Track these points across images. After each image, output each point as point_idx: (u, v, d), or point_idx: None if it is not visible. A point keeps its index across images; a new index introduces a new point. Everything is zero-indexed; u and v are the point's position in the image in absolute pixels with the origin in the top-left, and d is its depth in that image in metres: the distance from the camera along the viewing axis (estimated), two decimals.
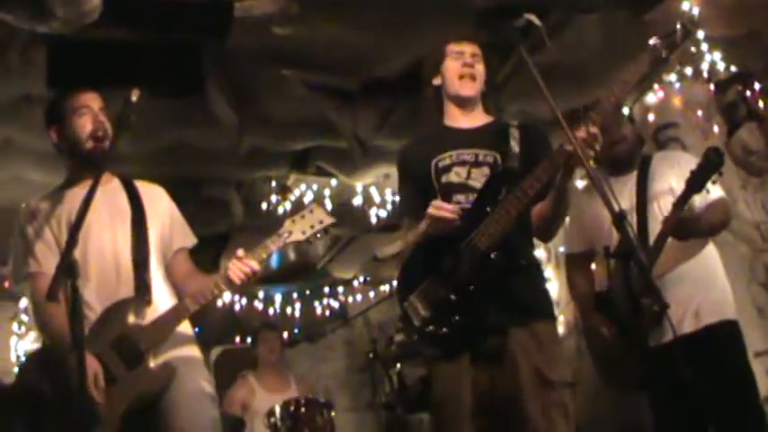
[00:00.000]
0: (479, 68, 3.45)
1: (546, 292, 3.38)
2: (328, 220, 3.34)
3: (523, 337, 3.11)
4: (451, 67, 3.44)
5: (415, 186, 3.44)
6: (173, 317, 3.24)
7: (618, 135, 4.08)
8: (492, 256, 3.10)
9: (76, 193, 3.30)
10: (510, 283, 3.13)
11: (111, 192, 3.45)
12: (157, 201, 3.56)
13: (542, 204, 3.27)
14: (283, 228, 3.31)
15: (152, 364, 3.14)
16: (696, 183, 3.61)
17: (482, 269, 3.10)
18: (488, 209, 3.15)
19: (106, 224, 3.36)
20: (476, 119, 3.49)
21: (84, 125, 3.35)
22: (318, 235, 3.35)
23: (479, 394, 3.11)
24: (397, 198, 3.69)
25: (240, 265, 3.20)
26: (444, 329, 3.12)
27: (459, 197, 3.28)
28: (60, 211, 3.34)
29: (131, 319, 3.20)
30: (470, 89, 3.44)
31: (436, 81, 3.51)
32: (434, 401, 3.27)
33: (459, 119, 3.48)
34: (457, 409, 3.12)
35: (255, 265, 3.22)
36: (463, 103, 3.47)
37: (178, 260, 3.51)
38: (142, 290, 3.26)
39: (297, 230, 3.30)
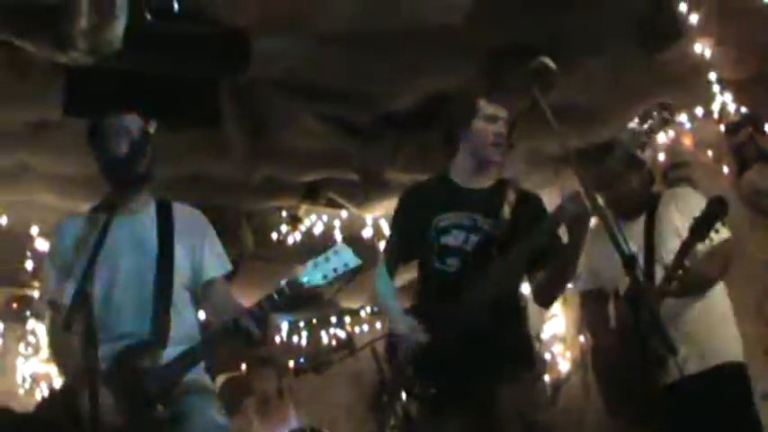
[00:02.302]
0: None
1: (529, 339, 3.59)
2: (354, 263, 3.09)
3: (509, 390, 3.27)
4: (485, 130, 3.50)
5: (408, 236, 3.56)
6: (185, 363, 3.12)
7: (624, 185, 4.08)
8: (481, 315, 3.24)
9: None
10: (495, 344, 3.26)
11: (142, 218, 3.35)
12: (193, 226, 3.44)
13: (545, 272, 3.40)
14: (304, 271, 3.08)
15: (161, 409, 3.01)
16: (698, 232, 3.61)
17: (470, 329, 3.22)
18: (475, 271, 3.31)
19: (129, 255, 3.25)
20: (484, 179, 3.58)
21: (120, 147, 3.22)
22: (340, 279, 3.13)
23: None
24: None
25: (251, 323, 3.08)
26: (432, 390, 3.26)
27: (453, 260, 3.42)
28: (87, 235, 3.20)
29: (145, 362, 3.08)
30: (501, 156, 3.54)
31: (460, 132, 3.56)
32: None
33: (470, 178, 3.58)
34: None
35: (260, 314, 3.10)
36: (487, 168, 3.57)
37: (213, 290, 3.38)
38: (160, 332, 3.15)
39: (318, 275, 3.07)
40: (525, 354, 3.51)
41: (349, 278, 3.27)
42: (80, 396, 2.92)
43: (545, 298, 3.56)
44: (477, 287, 3.28)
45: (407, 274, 3.87)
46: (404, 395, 6.50)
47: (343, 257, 3.10)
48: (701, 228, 3.58)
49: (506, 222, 3.42)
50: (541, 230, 3.27)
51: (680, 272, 3.63)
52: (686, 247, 3.63)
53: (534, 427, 3.27)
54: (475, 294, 3.28)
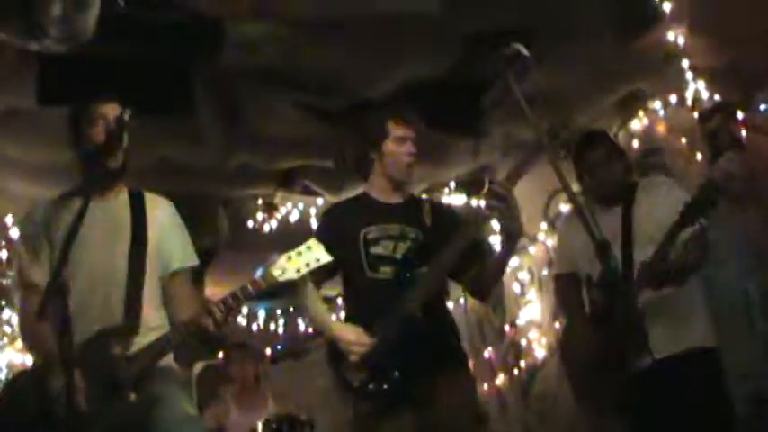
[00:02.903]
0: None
1: (458, 337, 3.82)
2: (325, 259, 3.25)
3: (452, 383, 3.54)
4: (396, 151, 3.74)
5: (335, 253, 3.54)
6: (157, 350, 3.16)
7: (607, 174, 4.09)
8: (418, 315, 3.47)
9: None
10: (434, 339, 3.53)
11: (115, 207, 3.37)
12: (162, 216, 3.46)
13: (478, 268, 3.66)
14: (277, 264, 3.20)
15: (132, 396, 3.03)
16: (689, 217, 3.62)
17: (410, 329, 3.45)
18: (408, 276, 3.54)
19: (102, 242, 3.27)
20: (400, 195, 3.83)
21: (97, 136, 3.25)
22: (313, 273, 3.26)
23: None
24: None
25: (221, 309, 3.14)
26: (385, 386, 3.45)
27: (386, 268, 3.64)
28: (61, 221, 3.22)
29: (115, 348, 3.09)
30: (411, 174, 3.81)
31: (372, 155, 3.80)
32: None
33: (387, 194, 3.82)
34: None
35: (219, 316, 3.13)
36: (400, 184, 3.81)
37: (175, 283, 3.42)
38: (132, 320, 3.18)
39: (291, 269, 3.20)
40: (457, 351, 3.76)
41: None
42: (51, 381, 2.93)
43: (483, 292, 3.92)
44: (411, 291, 3.50)
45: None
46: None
47: (316, 253, 3.25)
48: (693, 212, 3.59)
49: (428, 229, 3.67)
50: (463, 235, 3.51)
51: (666, 257, 3.65)
52: (676, 230, 3.64)
53: (473, 419, 3.60)
54: (409, 298, 3.49)
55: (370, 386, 3.46)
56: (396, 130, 3.73)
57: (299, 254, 3.23)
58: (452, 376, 3.56)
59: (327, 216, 3.97)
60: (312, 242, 3.27)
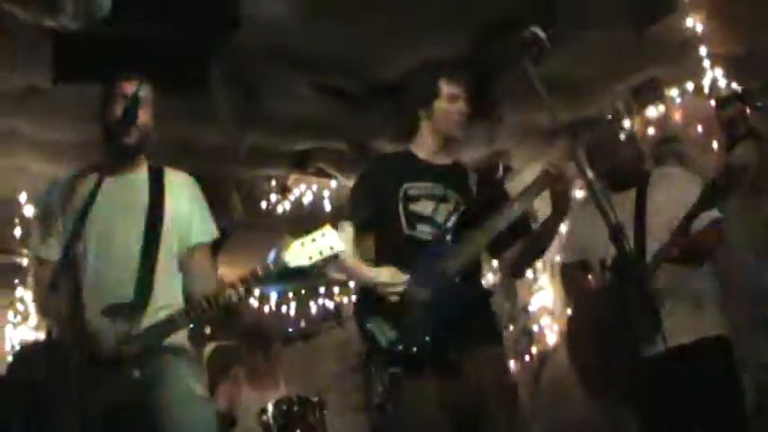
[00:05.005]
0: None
1: (495, 320, 3.75)
2: (339, 247, 3.18)
3: (484, 357, 3.41)
4: (447, 109, 3.64)
5: (374, 203, 3.61)
6: (165, 329, 3.15)
7: (617, 154, 4.10)
8: (456, 281, 3.40)
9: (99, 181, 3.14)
10: (468, 308, 3.41)
11: (132, 183, 3.36)
12: (183, 191, 3.45)
13: (519, 245, 3.59)
14: (290, 250, 3.14)
15: (136, 373, 3.03)
16: (711, 199, 3.61)
17: (445, 294, 3.36)
18: (450, 242, 3.45)
19: (117, 218, 3.27)
20: (445, 156, 3.73)
21: (115, 113, 3.26)
22: (325, 261, 3.19)
23: (444, 404, 3.35)
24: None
25: (233, 292, 3.14)
26: (414, 349, 3.33)
27: (424, 227, 3.54)
28: (77, 196, 3.22)
29: (124, 324, 3.08)
30: (461, 132, 3.69)
31: (421, 113, 3.70)
32: (401, 413, 3.45)
33: (433, 153, 3.71)
34: (425, 419, 3.36)
35: (242, 291, 3.15)
36: (448, 143, 3.72)
37: (194, 257, 3.41)
38: (142, 297, 3.16)
39: (303, 255, 3.14)
40: (493, 324, 3.67)
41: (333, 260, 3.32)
42: (62, 354, 2.94)
43: (519, 269, 3.86)
44: (452, 254, 3.42)
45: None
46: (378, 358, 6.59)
47: (330, 240, 3.17)
48: (714, 194, 3.58)
49: (473, 198, 3.59)
50: (516, 206, 3.43)
51: (683, 237, 3.64)
52: (695, 211, 3.63)
53: (505, 398, 3.44)
54: (450, 260, 3.40)
55: (399, 347, 3.34)
56: (447, 88, 3.64)
57: (314, 240, 3.16)
58: (485, 350, 3.44)
59: (369, 168, 3.84)
60: (327, 230, 3.19)
